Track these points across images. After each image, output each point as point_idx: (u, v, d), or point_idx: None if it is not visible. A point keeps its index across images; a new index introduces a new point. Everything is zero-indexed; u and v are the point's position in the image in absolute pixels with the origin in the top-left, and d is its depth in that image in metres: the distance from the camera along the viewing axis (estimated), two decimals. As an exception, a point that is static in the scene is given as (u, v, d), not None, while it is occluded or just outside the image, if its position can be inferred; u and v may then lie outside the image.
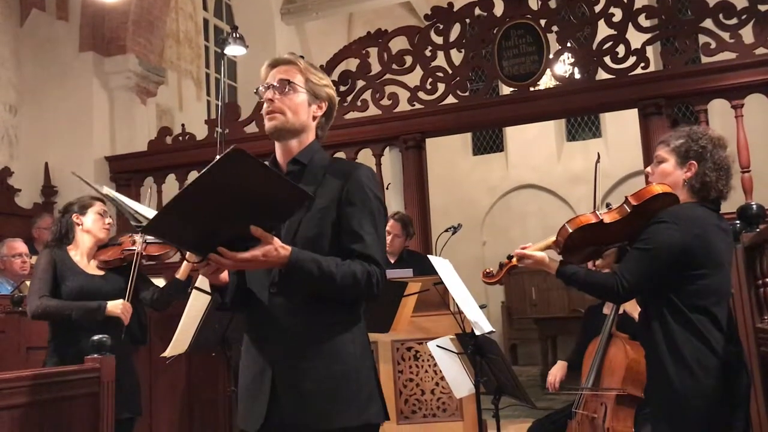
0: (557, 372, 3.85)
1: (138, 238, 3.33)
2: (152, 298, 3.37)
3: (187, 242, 1.71)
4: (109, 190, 2.18)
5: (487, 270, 2.66)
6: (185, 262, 3.37)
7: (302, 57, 2.03)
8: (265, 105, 1.92)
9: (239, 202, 1.59)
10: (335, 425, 1.78)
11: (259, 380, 1.84)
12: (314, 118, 1.96)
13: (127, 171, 6.72)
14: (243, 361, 1.94)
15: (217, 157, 1.53)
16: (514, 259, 2.53)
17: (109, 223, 3.35)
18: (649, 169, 2.56)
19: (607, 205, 2.48)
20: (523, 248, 2.51)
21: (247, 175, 1.56)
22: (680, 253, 2.27)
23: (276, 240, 1.69)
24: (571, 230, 2.38)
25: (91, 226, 3.29)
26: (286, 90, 1.91)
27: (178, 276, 3.38)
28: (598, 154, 2.66)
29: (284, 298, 1.82)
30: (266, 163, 1.94)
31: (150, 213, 1.88)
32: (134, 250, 3.27)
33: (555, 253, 2.48)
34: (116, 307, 3.11)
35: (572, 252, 2.44)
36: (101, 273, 3.28)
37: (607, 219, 2.38)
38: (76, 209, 3.31)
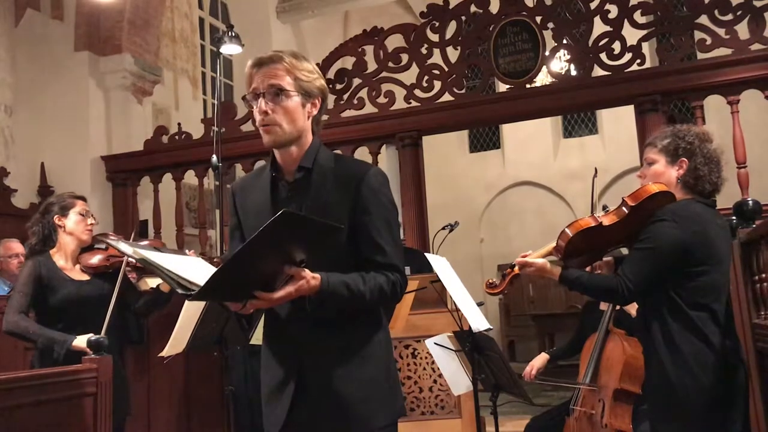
0: (536, 362, 3.93)
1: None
2: (134, 306, 3.36)
3: (227, 296, 1.73)
4: (142, 253, 1.89)
5: (490, 281, 2.66)
6: None
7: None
8: (257, 116, 1.84)
9: (278, 251, 1.64)
10: (372, 427, 1.80)
11: (283, 383, 1.83)
12: (309, 116, 1.89)
13: (123, 170, 6.71)
14: (264, 362, 1.93)
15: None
16: (516, 268, 2.52)
17: (91, 224, 3.26)
18: (639, 172, 2.56)
19: (604, 208, 2.48)
20: (524, 256, 2.50)
21: (291, 231, 1.60)
22: (681, 251, 2.27)
23: (306, 272, 1.69)
24: (571, 234, 2.37)
25: (73, 228, 3.19)
26: (278, 96, 1.82)
27: (162, 289, 3.35)
28: (596, 169, 2.66)
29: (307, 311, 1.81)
30: (265, 166, 1.95)
31: (186, 268, 1.79)
32: (121, 258, 3.17)
33: (555, 259, 2.48)
34: (82, 342, 2.91)
35: (573, 257, 2.43)
36: (86, 278, 3.20)
37: (606, 221, 2.38)
38: (57, 210, 3.20)
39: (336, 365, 1.80)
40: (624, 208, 2.38)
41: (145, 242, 3.49)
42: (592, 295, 2.53)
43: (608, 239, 2.43)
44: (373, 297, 1.79)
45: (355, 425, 1.79)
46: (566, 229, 2.40)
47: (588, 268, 2.61)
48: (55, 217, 3.19)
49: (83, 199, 3.31)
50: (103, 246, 3.30)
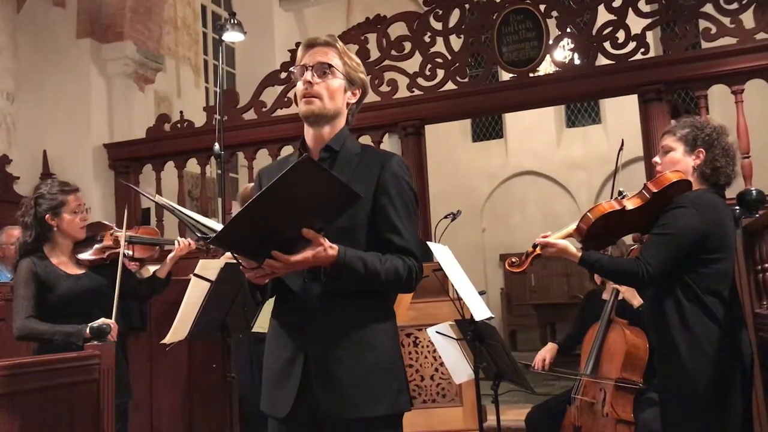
0: (546, 353, 3.80)
1: (120, 235, 3.19)
2: (136, 291, 3.37)
3: (246, 250, 1.72)
4: (165, 201, 2.04)
5: (513, 260, 2.66)
6: (167, 261, 3.33)
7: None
8: (300, 86, 1.88)
9: (298, 206, 1.63)
10: (370, 414, 1.79)
11: (289, 367, 1.83)
12: (347, 104, 1.94)
13: (125, 158, 6.71)
14: (269, 346, 1.92)
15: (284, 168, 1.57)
16: (538, 248, 2.55)
17: (85, 219, 3.19)
18: (656, 158, 2.61)
19: (620, 193, 2.50)
20: (545, 236, 2.53)
21: (313, 182, 1.60)
22: (700, 238, 2.34)
23: (325, 240, 1.70)
24: (593, 218, 2.42)
25: (66, 227, 3.11)
26: (325, 74, 1.88)
27: (158, 275, 3.35)
28: (623, 140, 2.67)
29: (319, 288, 1.81)
30: (292, 153, 1.98)
31: (208, 221, 1.86)
32: (117, 250, 3.15)
33: (574, 241, 2.52)
34: None
35: (592, 239, 2.48)
36: (82, 271, 3.16)
37: (629, 206, 2.43)
38: (48, 209, 3.09)
39: (340, 350, 1.80)
40: (646, 194, 2.43)
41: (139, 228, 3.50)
42: (611, 278, 2.60)
43: (627, 224, 2.49)
44: (389, 278, 1.79)
45: (354, 410, 1.78)
46: (588, 213, 2.44)
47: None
48: (47, 217, 3.09)
49: (75, 190, 3.19)
50: (98, 238, 3.27)
